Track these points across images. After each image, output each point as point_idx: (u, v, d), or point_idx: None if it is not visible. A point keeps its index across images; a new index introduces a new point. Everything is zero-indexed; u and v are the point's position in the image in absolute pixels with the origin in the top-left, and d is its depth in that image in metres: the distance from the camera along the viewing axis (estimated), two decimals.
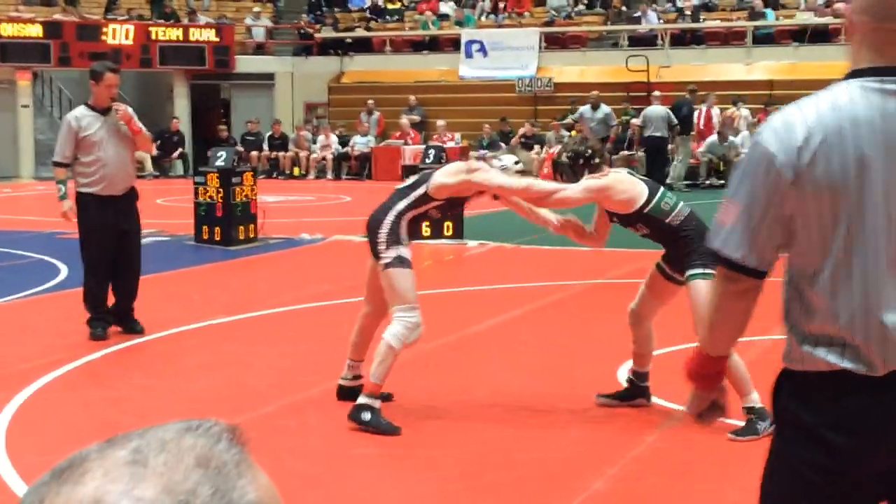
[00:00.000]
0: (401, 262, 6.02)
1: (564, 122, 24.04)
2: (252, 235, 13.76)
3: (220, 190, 13.37)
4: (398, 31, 29.28)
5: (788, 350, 2.61)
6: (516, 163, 6.26)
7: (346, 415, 5.93)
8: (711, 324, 2.77)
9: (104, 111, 8.08)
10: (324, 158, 25.74)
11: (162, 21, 27.63)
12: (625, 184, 6.03)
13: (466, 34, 27.61)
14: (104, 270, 8.13)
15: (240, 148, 23.70)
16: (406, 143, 24.31)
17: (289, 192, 21.73)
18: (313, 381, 6.95)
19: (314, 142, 26.07)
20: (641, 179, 6.26)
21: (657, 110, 22.34)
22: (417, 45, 28.67)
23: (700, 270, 5.72)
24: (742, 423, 5.76)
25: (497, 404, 6.46)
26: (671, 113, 22.17)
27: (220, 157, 13.75)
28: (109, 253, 8.12)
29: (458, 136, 24.90)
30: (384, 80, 27.85)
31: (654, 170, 20.48)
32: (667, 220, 5.97)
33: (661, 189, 6.19)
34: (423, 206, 6.19)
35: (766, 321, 7.94)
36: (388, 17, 30.05)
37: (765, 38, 25.57)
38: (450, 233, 13.93)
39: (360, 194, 21.48)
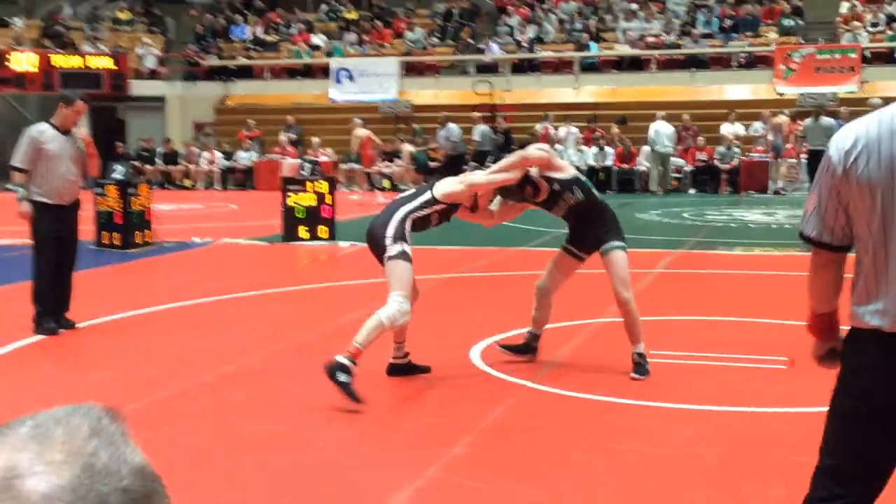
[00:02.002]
0: (404, 255, 6.03)
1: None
2: (148, 240, 13.49)
3: (119, 199, 13.10)
4: (276, 59, 28.97)
5: (854, 310, 2.87)
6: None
7: (322, 368, 5.78)
8: (810, 290, 3.02)
9: (65, 132, 7.97)
10: (211, 171, 25.35)
11: (62, 50, 26.81)
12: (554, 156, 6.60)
13: (335, 62, 27.53)
14: (52, 272, 7.98)
15: (135, 162, 23.21)
16: (284, 158, 24.08)
17: (180, 201, 21.30)
18: (205, 369, 6.82)
19: (202, 157, 25.68)
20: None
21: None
22: (293, 72, 28.45)
23: (617, 243, 6.43)
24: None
25: (367, 384, 6.43)
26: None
27: (118, 171, 13.43)
28: (56, 256, 7.97)
29: (330, 151, 24.79)
30: (264, 103, 27.56)
31: None
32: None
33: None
34: (429, 209, 6.24)
35: (597, 307, 8.07)
36: (267, 47, 29.68)
37: (590, 67, 26.12)
38: (325, 236, 13.85)
39: (244, 202, 21.23)
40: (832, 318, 3.03)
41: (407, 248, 6.04)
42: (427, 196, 6.26)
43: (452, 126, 22.62)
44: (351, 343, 5.85)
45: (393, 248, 6.00)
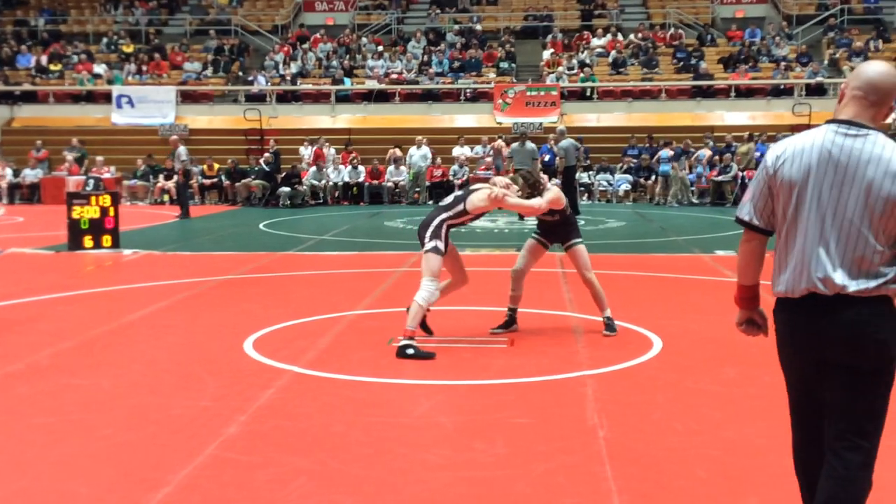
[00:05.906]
0: (437, 250, 6.63)
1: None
2: None
3: None
4: (60, 85, 27.08)
5: (773, 282, 3.10)
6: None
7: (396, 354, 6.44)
8: (738, 264, 3.23)
9: None
10: None
11: None
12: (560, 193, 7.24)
13: (117, 90, 26.13)
14: None
15: None
16: (69, 175, 22.55)
17: None
18: None
19: None
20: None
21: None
22: (76, 98, 26.68)
23: (579, 240, 7.30)
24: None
25: (149, 375, 6.13)
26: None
27: None
28: None
29: (113, 168, 23.48)
30: (49, 125, 25.70)
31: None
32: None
33: None
34: (462, 218, 6.83)
35: (352, 301, 8.02)
36: (51, 74, 27.69)
37: (344, 98, 26.12)
38: (109, 244, 13.09)
39: (31, 215, 19.69)
40: (754, 291, 3.19)
41: (440, 244, 6.64)
42: (461, 208, 6.79)
43: (182, 148, 20.95)
44: (404, 328, 6.56)
45: (429, 244, 6.64)
